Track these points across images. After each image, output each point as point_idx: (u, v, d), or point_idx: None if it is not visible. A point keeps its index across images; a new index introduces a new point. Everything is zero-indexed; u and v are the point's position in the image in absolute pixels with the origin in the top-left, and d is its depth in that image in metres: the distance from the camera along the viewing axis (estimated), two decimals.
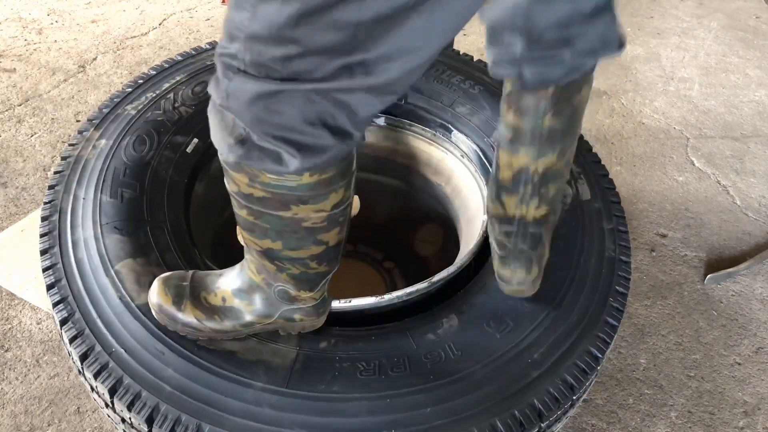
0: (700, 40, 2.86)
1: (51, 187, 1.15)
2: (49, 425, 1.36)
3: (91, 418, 1.37)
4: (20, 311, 1.57)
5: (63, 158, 1.19)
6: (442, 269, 1.11)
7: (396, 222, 1.63)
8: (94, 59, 2.60)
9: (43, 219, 1.10)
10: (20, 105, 2.29)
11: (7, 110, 2.26)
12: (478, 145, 1.34)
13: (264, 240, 0.84)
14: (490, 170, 1.30)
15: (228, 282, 0.95)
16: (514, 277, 1.01)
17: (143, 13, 2.99)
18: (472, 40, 2.85)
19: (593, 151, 1.36)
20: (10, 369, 1.46)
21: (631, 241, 1.82)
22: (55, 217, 1.09)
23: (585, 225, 1.16)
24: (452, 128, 1.38)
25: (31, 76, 2.45)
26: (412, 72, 0.68)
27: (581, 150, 1.34)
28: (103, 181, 1.12)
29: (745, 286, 1.72)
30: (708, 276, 1.71)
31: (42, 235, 1.08)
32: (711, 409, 1.44)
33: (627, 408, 1.43)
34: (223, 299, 0.94)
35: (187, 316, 0.93)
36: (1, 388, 1.42)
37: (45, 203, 1.12)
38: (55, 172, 1.17)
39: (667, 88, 2.52)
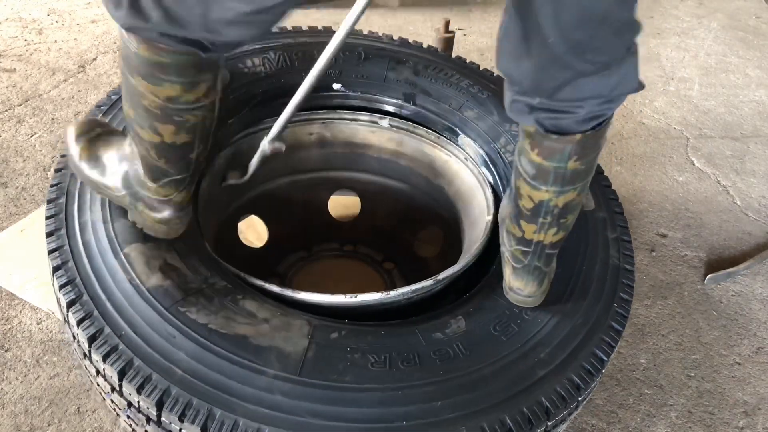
0: (700, 40, 2.86)
1: (58, 171, 1.14)
2: (49, 425, 1.36)
3: (91, 418, 1.37)
4: (20, 311, 1.57)
5: None
6: (441, 271, 1.12)
7: (397, 223, 1.63)
8: (94, 59, 2.60)
9: (50, 201, 1.10)
10: (20, 105, 2.29)
11: (7, 110, 2.26)
12: (484, 150, 1.34)
13: (126, 104, 0.95)
14: (493, 178, 1.31)
15: (118, 144, 1.07)
16: (526, 289, 1.04)
17: None
18: (472, 40, 2.85)
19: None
20: (10, 369, 1.46)
21: (632, 242, 1.83)
22: (62, 200, 1.09)
23: (590, 234, 1.19)
24: (459, 132, 1.39)
25: (31, 76, 2.45)
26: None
27: None
28: None
29: (745, 286, 1.72)
30: (708, 276, 1.71)
31: (48, 217, 1.07)
32: (711, 409, 1.44)
33: (627, 408, 1.43)
34: (108, 155, 1.06)
35: (77, 157, 1.07)
36: (1, 388, 1.42)
37: (52, 185, 1.12)
38: (62, 156, 1.16)
39: (667, 88, 2.52)
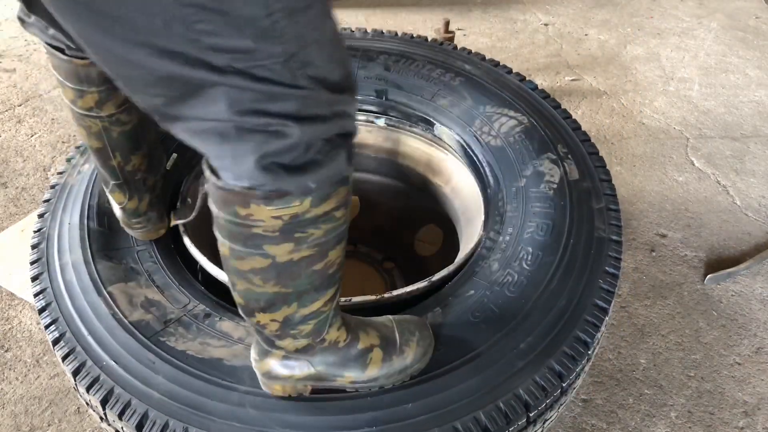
0: (700, 40, 2.86)
1: (40, 216, 1.18)
2: (49, 425, 1.36)
3: (92, 418, 1.37)
4: (20, 311, 1.57)
5: (52, 186, 1.23)
6: (441, 269, 1.11)
7: (396, 222, 1.63)
8: None
9: (33, 247, 1.14)
10: (20, 105, 2.29)
11: (7, 110, 2.26)
12: (460, 135, 1.32)
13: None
14: (472, 162, 1.29)
15: None
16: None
17: None
18: (472, 40, 2.85)
19: (582, 129, 1.32)
20: (10, 369, 1.46)
21: (631, 241, 1.83)
22: (44, 245, 1.13)
23: (573, 205, 1.14)
24: (434, 121, 1.36)
25: (31, 76, 2.45)
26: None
27: (568, 129, 1.30)
28: (89, 206, 1.16)
29: (745, 286, 1.72)
30: (708, 276, 1.71)
31: (32, 263, 1.11)
32: (711, 409, 1.44)
33: (627, 408, 1.43)
34: None
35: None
36: (1, 388, 1.42)
37: (34, 231, 1.16)
38: (44, 201, 1.21)
39: (667, 88, 2.52)
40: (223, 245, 0.75)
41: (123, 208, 1.10)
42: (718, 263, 1.77)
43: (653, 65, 2.67)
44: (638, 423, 1.40)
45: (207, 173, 0.70)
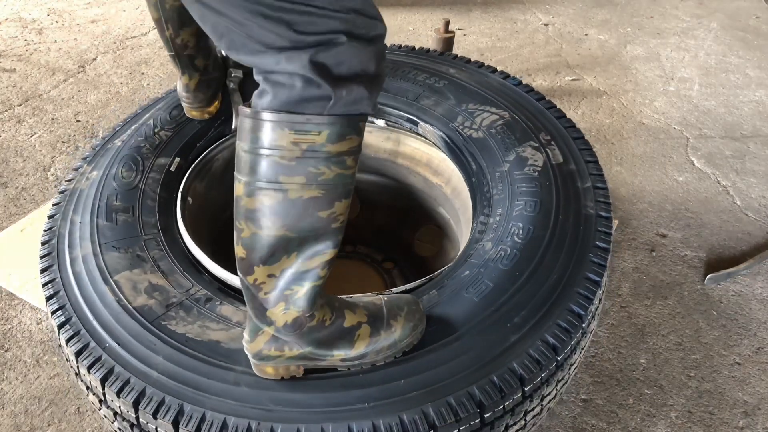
0: (700, 40, 2.86)
1: (50, 217, 1.21)
2: (49, 425, 1.36)
3: (91, 418, 1.37)
4: (20, 311, 1.57)
5: (61, 192, 1.26)
6: (440, 269, 1.11)
7: (396, 223, 1.63)
8: (94, 59, 2.60)
9: (43, 243, 1.17)
10: (20, 105, 2.29)
11: (7, 110, 2.26)
12: (442, 131, 1.34)
13: None
14: (455, 155, 1.31)
15: None
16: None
17: (143, 13, 2.99)
18: (472, 40, 2.85)
19: (567, 117, 1.35)
20: (10, 369, 1.46)
21: (631, 241, 1.83)
22: (54, 241, 1.16)
23: (559, 186, 1.16)
24: (418, 120, 1.39)
25: (31, 76, 2.45)
26: None
27: (552, 118, 1.34)
28: (98, 206, 1.19)
29: (745, 286, 1.72)
30: (708, 276, 1.71)
31: (42, 257, 1.14)
32: (711, 409, 1.44)
33: (627, 408, 1.43)
34: None
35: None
36: (1, 388, 1.42)
37: (45, 230, 1.19)
38: (54, 204, 1.24)
39: (667, 88, 2.52)
40: (239, 183, 0.80)
41: (180, 82, 1.32)
42: (718, 263, 1.77)
43: (653, 65, 2.67)
44: (638, 423, 1.40)
45: (242, 107, 0.78)
